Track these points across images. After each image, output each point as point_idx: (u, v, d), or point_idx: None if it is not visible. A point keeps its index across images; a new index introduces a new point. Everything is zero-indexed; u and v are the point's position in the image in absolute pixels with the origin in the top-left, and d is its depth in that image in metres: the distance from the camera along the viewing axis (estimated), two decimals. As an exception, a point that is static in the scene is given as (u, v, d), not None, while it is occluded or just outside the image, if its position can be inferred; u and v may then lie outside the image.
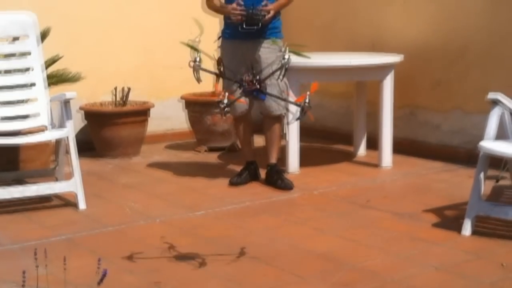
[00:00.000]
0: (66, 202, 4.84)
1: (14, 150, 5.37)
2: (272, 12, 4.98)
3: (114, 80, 6.44)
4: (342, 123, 6.75)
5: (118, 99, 6.38)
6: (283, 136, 5.46)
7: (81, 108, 6.27)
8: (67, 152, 4.78)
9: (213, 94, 6.39)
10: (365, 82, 6.05)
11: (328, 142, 6.72)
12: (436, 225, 4.22)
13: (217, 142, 6.48)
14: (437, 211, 4.49)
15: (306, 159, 5.73)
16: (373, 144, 5.88)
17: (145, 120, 6.39)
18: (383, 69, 5.62)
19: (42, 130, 4.94)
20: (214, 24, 5.22)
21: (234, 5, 4.96)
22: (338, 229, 4.22)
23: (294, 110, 3.95)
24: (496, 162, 4.52)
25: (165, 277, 3.48)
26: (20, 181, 5.13)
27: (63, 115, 4.76)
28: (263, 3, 4.97)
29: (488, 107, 4.18)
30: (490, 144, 4.02)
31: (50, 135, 4.94)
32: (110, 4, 6.64)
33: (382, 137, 5.69)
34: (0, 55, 5.13)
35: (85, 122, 6.36)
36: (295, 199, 4.94)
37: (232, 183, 5.25)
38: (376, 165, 5.75)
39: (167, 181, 5.49)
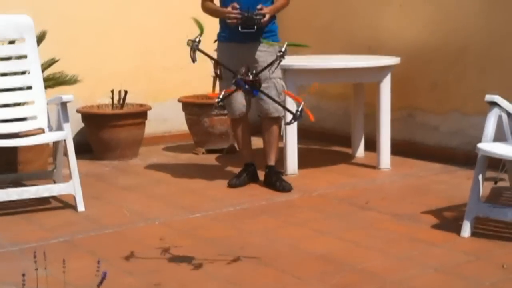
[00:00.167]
0: (65, 204, 4.84)
1: (12, 152, 5.37)
2: (267, 16, 4.98)
3: (111, 83, 6.43)
4: (340, 124, 6.76)
5: (115, 101, 6.37)
6: (281, 137, 5.46)
7: (78, 111, 6.26)
8: (65, 154, 4.77)
9: (209, 97, 6.38)
10: (363, 83, 6.06)
11: (326, 143, 6.72)
12: (435, 226, 4.22)
13: (215, 144, 6.47)
14: (436, 212, 4.49)
15: (304, 161, 5.73)
16: (372, 145, 5.88)
17: (143, 122, 6.39)
18: (381, 71, 5.62)
19: (40, 133, 4.93)
20: (215, 24, 5.22)
21: (229, 8, 4.97)
22: (337, 230, 4.22)
23: (293, 110, 3.94)
24: (495, 163, 4.51)
25: (164, 279, 3.47)
26: (18, 183, 5.12)
27: (60, 118, 4.76)
28: (258, 7, 4.97)
29: (486, 108, 4.18)
30: (489, 146, 4.03)
31: (48, 137, 4.94)
32: (107, 6, 6.63)
33: (380, 139, 5.69)
34: (-3, 58, 5.14)
35: (83, 124, 6.35)
36: (294, 200, 4.94)
37: (231, 185, 5.25)
38: (375, 167, 5.75)
39: (165, 182, 5.49)
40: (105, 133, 6.18)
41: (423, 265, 3.61)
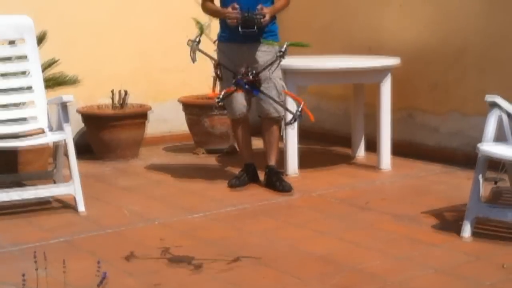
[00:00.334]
0: (65, 204, 4.84)
1: (12, 153, 5.36)
2: (268, 16, 4.99)
3: (112, 83, 6.43)
4: (340, 125, 6.76)
5: (115, 102, 6.37)
6: (281, 138, 5.46)
7: (78, 111, 6.26)
8: (65, 154, 4.77)
9: (210, 98, 6.38)
10: (363, 84, 6.06)
11: (327, 144, 6.72)
12: (435, 227, 4.22)
13: (215, 144, 6.47)
14: (436, 213, 4.49)
15: (304, 161, 5.73)
16: (372, 146, 5.88)
17: (143, 123, 6.39)
18: (381, 71, 5.62)
19: (40, 133, 4.93)
20: (215, 24, 5.23)
21: (229, 8, 4.97)
22: (338, 231, 4.23)
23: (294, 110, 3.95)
24: (495, 164, 4.51)
25: (164, 279, 3.47)
26: (18, 184, 5.11)
27: (60, 118, 4.76)
28: (258, 7, 4.97)
29: (486, 109, 4.18)
30: (489, 147, 4.03)
31: (48, 138, 4.93)
32: (107, 7, 6.63)
33: (380, 139, 5.69)
34: (-3, 59, 5.14)
35: (83, 125, 6.35)
36: (294, 201, 4.94)
37: (231, 185, 5.25)
38: (375, 167, 5.75)
39: (165, 183, 5.49)
40: (105, 133, 6.18)
41: (423, 266, 3.61)
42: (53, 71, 5.79)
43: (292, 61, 5.59)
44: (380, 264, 3.65)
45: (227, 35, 5.14)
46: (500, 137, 4.21)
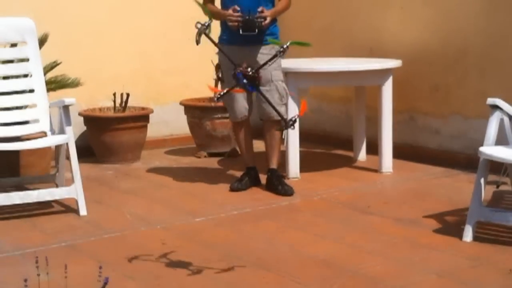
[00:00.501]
0: (67, 208, 4.84)
1: (14, 156, 5.38)
2: (268, 19, 4.99)
3: (113, 86, 6.44)
4: (341, 128, 6.76)
5: (117, 104, 6.38)
6: (283, 141, 5.46)
7: (80, 114, 6.26)
8: (67, 157, 4.78)
9: (211, 100, 6.39)
10: (364, 86, 6.06)
11: (328, 147, 6.72)
12: (437, 231, 4.22)
13: (216, 147, 6.47)
14: (438, 216, 4.49)
15: (306, 165, 5.73)
16: (373, 149, 5.88)
17: (145, 125, 6.39)
18: (383, 73, 5.62)
19: (42, 136, 4.94)
20: (216, 25, 5.23)
21: (230, 11, 4.97)
22: (339, 234, 4.23)
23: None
24: (497, 167, 4.52)
25: (166, 283, 3.48)
26: (20, 187, 5.13)
27: (62, 121, 4.76)
28: (259, 9, 4.98)
29: (488, 111, 4.18)
30: (490, 150, 4.02)
31: (50, 141, 4.94)
32: (108, 9, 6.64)
33: (382, 142, 5.69)
34: (-1, 61, 5.15)
35: (85, 127, 6.36)
36: (296, 204, 4.94)
37: (233, 189, 5.25)
38: (376, 170, 5.74)
39: (167, 186, 5.49)
40: (107, 136, 6.19)
41: (425, 270, 3.61)
42: (55, 73, 5.80)
43: (293, 63, 5.60)
44: (381, 268, 3.65)
45: (228, 37, 5.14)
46: (502, 140, 4.20)
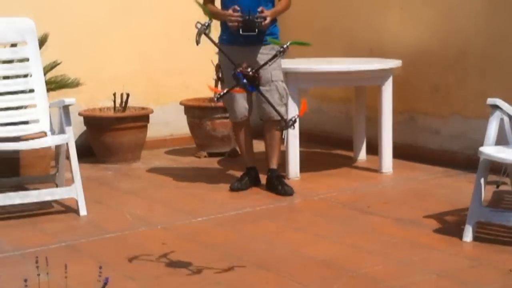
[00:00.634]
0: (67, 208, 4.84)
1: (14, 156, 5.38)
2: (268, 19, 4.99)
3: (113, 86, 6.44)
4: (341, 128, 6.76)
5: (117, 104, 6.38)
6: (283, 141, 5.46)
7: (80, 114, 6.26)
8: (67, 158, 4.78)
9: (211, 101, 6.39)
10: (364, 87, 6.06)
11: (328, 147, 6.72)
12: (437, 231, 4.22)
13: (216, 147, 6.47)
14: (438, 217, 4.49)
15: (306, 165, 5.73)
16: (373, 149, 5.88)
17: (145, 126, 6.39)
18: (383, 74, 5.62)
19: (42, 136, 4.94)
20: (216, 25, 5.23)
21: (230, 11, 4.97)
22: (339, 235, 4.22)
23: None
24: (496, 167, 4.52)
25: (166, 283, 3.48)
26: (20, 187, 5.13)
27: (62, 121, 4.76)
28: (259, 9, 4.98)
29: (488, 112, 4.18)
30: (490, 150, 4.02)
31: (50, 141, 4.95)
32: (108, 9, 6.64)
33: (382, 142, 5.69)
34: (-1, 61, 5.15)
35: (85, 127, 6.36)
36: (296, 205, 4.94)
37: (233, 189, 5.25)
38: (377, 170, 5.75)
39: (167, 186, 5.49)
40: (107, 136, 6.19)
41: (425, 270, 3.60)
42: (55, 73, 5.80)
43: (294, 63, 5.60)
44: (381, 268, 3.65)
45: (228, 37, 5.14)
46: (502, 140, 4.20)
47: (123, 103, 6.38)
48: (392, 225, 4.39)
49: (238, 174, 5.51)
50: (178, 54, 6.96)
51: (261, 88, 4.96)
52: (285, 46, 3.79)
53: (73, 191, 4.70)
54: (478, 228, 4.07)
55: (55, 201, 4.93)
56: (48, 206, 4.88)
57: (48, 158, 5.65)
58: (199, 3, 4.23)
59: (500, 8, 5.52)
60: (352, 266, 3.67)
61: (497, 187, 5.02)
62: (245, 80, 3.71)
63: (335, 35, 6.83)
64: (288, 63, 5.52)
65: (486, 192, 4.25)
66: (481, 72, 5.67)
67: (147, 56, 6.85)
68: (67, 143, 4.73)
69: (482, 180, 4.04)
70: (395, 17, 6.29)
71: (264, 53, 5.05)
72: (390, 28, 6.33)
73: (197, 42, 3.90)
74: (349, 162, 6.15)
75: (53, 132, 4.95)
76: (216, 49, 5.28)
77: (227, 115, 5.50)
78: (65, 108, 4.76)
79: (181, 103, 6.62)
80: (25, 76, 5.13)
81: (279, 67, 5.16)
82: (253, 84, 3.73)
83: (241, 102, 5.19)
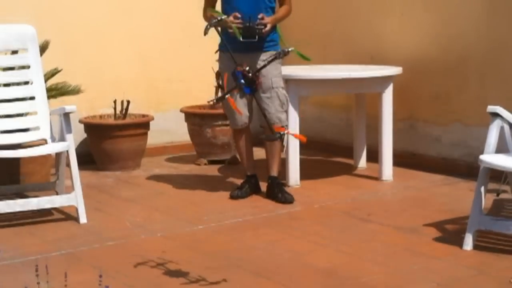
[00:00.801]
0: (67, 215, 4.84)
1: (14, 163, 5.37)
2: (269, 26, 5.00)
3: (114, 93, 6.44)
4: (342, 135, 6.76)
5: (118, 111, 6.38)
6: (283, 148, 5.46)
7: (80, 121, 6.27)
8: (68, 165, 4.78)
9: (212, 107, 6.39)
10: (364, 94, 6.06)
11: (328, 154, 6.72)
12: (437, 239, 4.21)
13: (217, 155, 6.47)
14: (438, 225, 4.48)
15: (306, 172, 5.73)
16: (374, 156, 5.87)
17: (146, 133, 6.39)
18: (383, 81, 5.62)
19: (43, 144, 4.94)
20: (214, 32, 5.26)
21: (231, 18, 4.98)
22: (339, 243, 4.22)
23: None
24: (497, 175, 4.51)
25: (166, 293, 3.48)
26: (20, 195, 5.13)
27: (63, 128, 4.77)
28: (259, 16, 4.99)
29: (488, 119, 4.18)
30: (491, 158, 4.02)
31: (50, 148, 4.94)
32: (109, 16, 6.65)
33: (382, 150, 5.69)
34: (0, 68, 5.14)
35: (85, 135, 6.36)
36: (296, 212, 4.93)
37: (233, 197, 5.24)
38: (377, 178, 5.74)
39: (167, 194, 5.49)
40: (108, 143, 6.19)
41: (425, 279, 3.60)
42: (55, 80, 5.81)
43: (294, 71, 5.61)
44: (381, 277, 3.64)
45: (228, 44, 5.12)
46: (502, 148, 4.20)
47: (124, 110, 6.38)
48: (392, 233, 4.38)
49: (239, 181, 5.51)
50: (179, 62, 6.96)
51: (262, 95, 5.00)
52: (287, 50, 3.81)
53: (73, 199, 4.69)
54: (479, 237, 4.06)
55: (55, 209, 4.92)
56: (48, 214, 4.88)
57: (48, 166, 5.65)
58: (213, 10, 4.21)
59: (500, 15, 5.53)
60: (352, 274, 3.67)
61: (498, 195, 5.02)
62: (242, 81, 3.72)
63: (335, 42, 6.84)
64: (289, 70, 5.53)
65: (487, 200, 4.25)
66: (482, 79, 5.67)
67: (147, 64, 6.86)
68: (67, 151, 4.72)
69: (482, 188, 4.04)
70: (396, 24, 6.29)
71: (264, 60, 5.05)
72: (391, 34, 6.33)
73: (205, 33, 3.96)
74: (349, 169, 6.15)
75: (53, 140, 4.95)
76: (217, 56, 5.31)
77: (228, 122, 5.51)
78: (66, 116, 4.76)
79: (181, 111, 6.62)
80: (26, 83, 5.13)
81: (279, 74, 5.16)
82: (250, 86, 3.74)
83: (241, 109, 5.19)
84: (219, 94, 5.99)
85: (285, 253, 4.04)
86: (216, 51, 5.28)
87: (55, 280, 3.20)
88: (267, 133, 5.18)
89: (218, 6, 5.24)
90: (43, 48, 5.58)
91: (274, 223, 4.68)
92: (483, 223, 4.03)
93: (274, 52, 4.73)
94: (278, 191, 5.17)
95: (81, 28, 6.48)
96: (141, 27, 6.81)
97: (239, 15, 4.98)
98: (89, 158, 6.23)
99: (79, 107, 5.28)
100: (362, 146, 6.17)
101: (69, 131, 4.75)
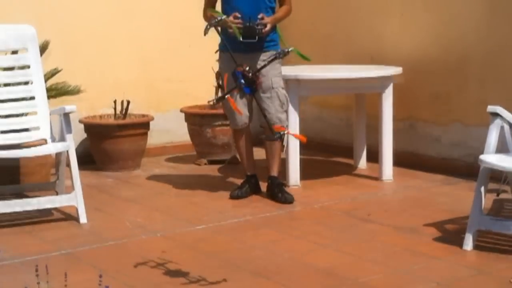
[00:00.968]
0: (67, 215, 4.83)
1: (14, 163, 5.37)
2: (269, 26, 5.00)
3: (114, 93, 6.44)
4: (342, 135, 6.75)
5: (118, 111, 6.38)
6: (283, 148, 5.46)
7: (80, 121, 6.27)
8: (68, 165, 4.77)
9: (212, 108, 6.39)
10: (364, 94, 6.06)
11: (329, 154, 6.72)
12: (437, 239, 4.21)
13: (217, 155, 6.47)
14: (438, 225, 4.48)
15: (306, 172, 5.72)
16: (374, 157, 5.87)
17: (146, 133, 6.39)
18: (383, 81, 5.62)
19: (43, 144, 4.93)
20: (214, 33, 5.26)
21: (231, 18, 4.98)
22: (339, 243, 4.22)
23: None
24: (497, 175, 4.51)
25: (166, 293, 3.48)
26: (20, 195, 5.12)
27: (63, 128, 4.76)
28: (259, 16, 4.99)
29: (488, 119, 4.18)
30: (491, 158, 4.01)
31: (50, 149, 4.94)
32: (109, 17, 6.65)
33: (382, 150, 5.69)
34: (0, 68, 5.14)
35: (85, 135, 6.36)
36: (296, 213, 4.93)
37: (233, 197, 5.24)
38: (377, 178, 5.74)
39: (167, 194, 5.48)
40: (108, 143, 6.18)
41: (425, 279, 3.60)
42: (55, 80, 5.81)
43: (294, 71, 5.60)
44: (382, 277, 3.64)
45: (228, 44, 5.12)
46: (502, 148, 4.20)
47: (124, 110, 6.38)
48: (392, 234, 4.38)
49: (239, 181, 5.51)
50: (179, 62, 6.96)
51: (262, 95, 5.00)
52: (287, 50, 3.81)
53: (73, 199, 4.69)
54: (479, 237, 4.06)
55: (55, 209, 4.92)
56: (48, 214, 4.88)
57: (48, 166, 5.65)
58: (213, 10, 4.22)
59: (501, 16, 5.53)
60: (352, 274, 3.67)
61: (498, 195, 5.01)
62: (242, 81, 3.72)
63: (335, 43, 6.84)
64: (289, 71, 5.52)
65: (487, 200, 4.25)
66: (482, 80, 5.67)
67: (147, 64, 6.86)
68: (67, 151, 4.72)
69: (482, 188, 4.03)
70: (396, 24, 6.29)
71: (264, 60, 5.05)
72: (391, 35, 6.33)
73: (204, 32, 3.96)
74: (350, 169, 6.15)
75: (53, 140, 4.95)
76: (217, 56, 5.31)
77: (228, 122, 5.50)
78: (66, 116, 4.76)
79: (181, 111, 6.62)
80: (26, 83, 5.13)
81: (279, 74, 5.16)
82: (250, 86, 3.74)
83: (241, 109, 5.19)
84: (219, 94, 5.99)
85: (285, 253, 4.04)
86: (216, 51, 5.28)
87: (55, 280, 3.19)
88: (267, 133, 5.20)
89: (218, 6, 5.24)
90: (43, 48, 5.58)
91: (274, 223, 4.68)
92: (483, 223, 4.03)
93: (274, 52, 4.73)
94: (278, 191, 5.17)
95: (81, 28, 6.48)
96: (141, 27, 6.81)
97: (239, 15, 4.97)
98: (89, 158, 6.23)
99: (79, 107, 5.28)
100: (362, 146, 6.17)
101: (69, 131, 4.75)
